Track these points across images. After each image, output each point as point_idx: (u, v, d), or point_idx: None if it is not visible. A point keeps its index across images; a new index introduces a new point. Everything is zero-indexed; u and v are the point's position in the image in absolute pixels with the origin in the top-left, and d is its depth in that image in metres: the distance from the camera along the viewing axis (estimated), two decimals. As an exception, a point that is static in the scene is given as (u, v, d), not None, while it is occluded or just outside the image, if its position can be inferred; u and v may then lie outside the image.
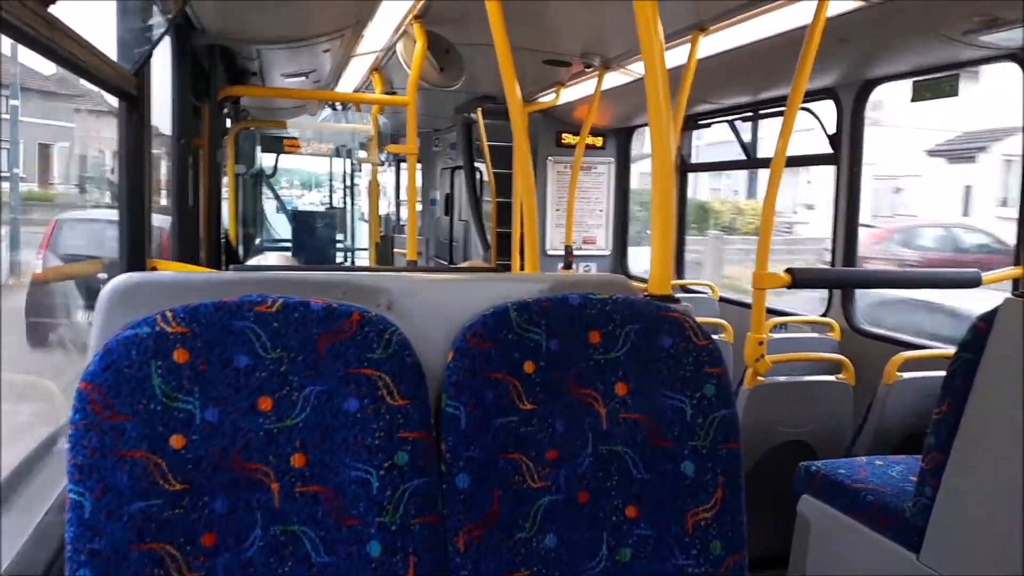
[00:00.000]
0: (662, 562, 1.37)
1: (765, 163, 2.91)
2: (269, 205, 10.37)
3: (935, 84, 3.28)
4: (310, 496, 1.21)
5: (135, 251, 2.02)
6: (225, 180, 5.89)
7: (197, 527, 1.15)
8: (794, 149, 2.83)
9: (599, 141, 5.95)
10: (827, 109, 3.86)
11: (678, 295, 1.73)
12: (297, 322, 1.23)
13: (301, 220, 9.72)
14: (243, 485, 1.18)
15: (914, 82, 3.37)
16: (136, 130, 2.07)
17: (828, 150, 3.85)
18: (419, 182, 8.12)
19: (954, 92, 3.25)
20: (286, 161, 10.87)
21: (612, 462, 1.37)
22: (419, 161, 5.58)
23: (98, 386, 1.12)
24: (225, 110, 5.34)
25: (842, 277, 3.38)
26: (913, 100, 3.39)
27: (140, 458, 1.12)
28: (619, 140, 6.06)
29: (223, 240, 4.76)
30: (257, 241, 9.14)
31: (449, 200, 7.68)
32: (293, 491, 1.20)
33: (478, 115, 5.95)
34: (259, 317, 1.22)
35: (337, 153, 10.61)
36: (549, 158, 5.96)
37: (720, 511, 1.39)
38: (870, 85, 3.63)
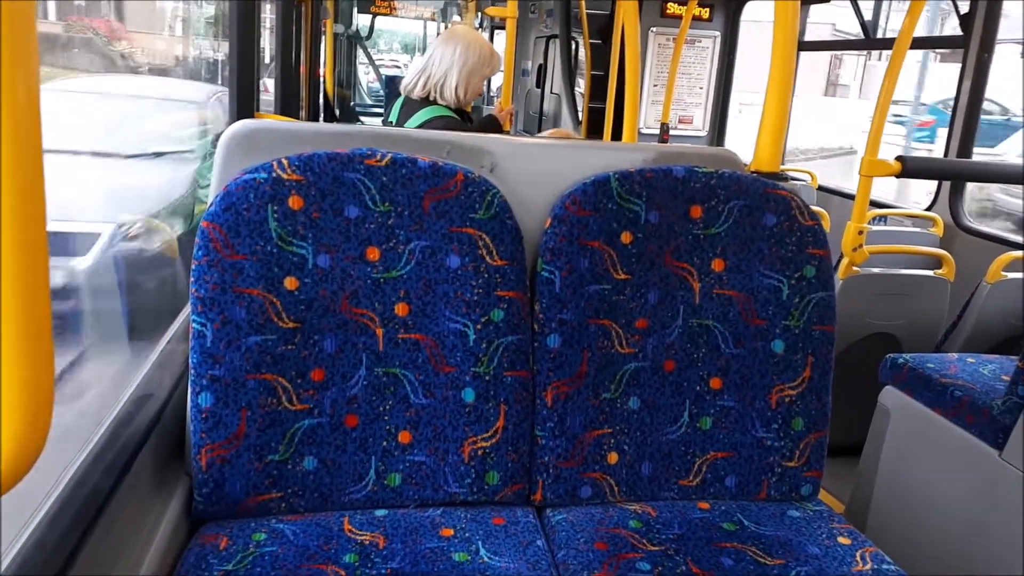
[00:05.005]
0: (742, 433, 1.41)
1: (887, 44, 2.72)
2: (361, 69, 10.36)
3: None
4: (411, 343, 1.28)
5: (244, 102, 2.08)
6: (323, 41, 5.88)
7: (308, 363, 1.25)
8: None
9: (706, 13, 5.61)
10: None
11: None
12: (404, 178, 1.27)
13: (395, 85, 9.68)
14: (351, 328, 1.26)
15: None
16: None
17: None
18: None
19: None
20: (381, 23, 10.74)
21: (702, 335, 1.40)
22: (515, 27, 5.41)
23: (219, 225, 1.20)
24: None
25: (956, 168, 3.18)
26: None
27: (257, 296, 1.21)
28: (727, 12, 5.71)
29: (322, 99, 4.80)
30: (351, 104, 9.20)
31: (542, 71, 7.48)
32: (396, 337, 1.28)
33: None
34: (369, 170, 1.26)
35: (436, 16, 10.39)
36: (652, 29, 5.69)
37: (806, 390, 1.41)
38: None
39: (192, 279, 1.21)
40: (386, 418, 1.29)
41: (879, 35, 4.52)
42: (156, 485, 1.22)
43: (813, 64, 19.70)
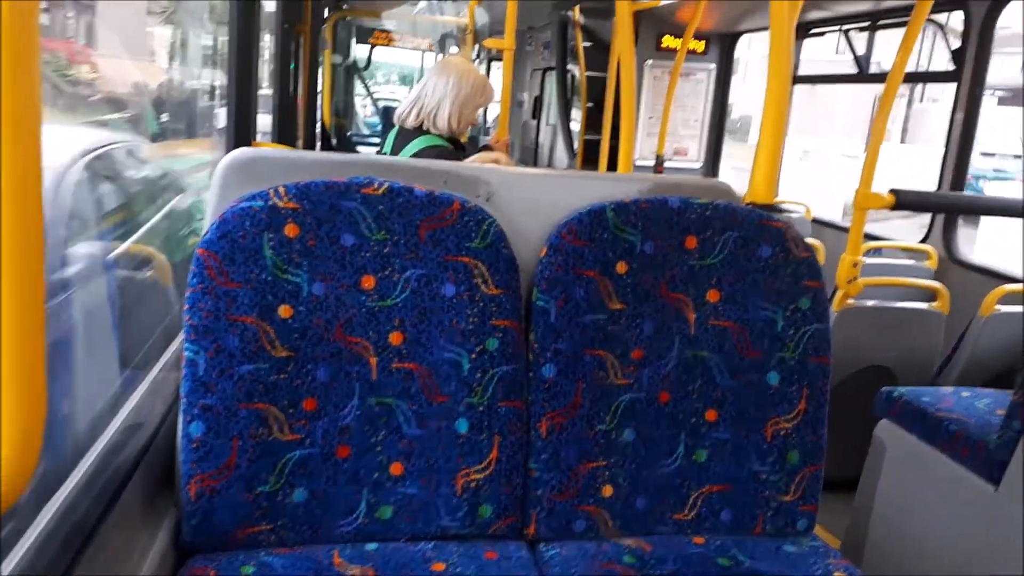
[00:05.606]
0: (738, 466, 1.40)
1: (880, 78, 2.75)
2: (358, 100, 10.44)
3: None
4: (405, 372, 1.27)
5: (241, 131, 2.10)
6: (320, 71, 5.94)
7: (300, 392, 1.23)
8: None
9: (700, 46, 5.69)
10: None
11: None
12: (401, 207, 1.27)
13: (391, 115, 9.75)
14: (344, 357, 1.25)
15: None
16: (247, 20, 2.11)
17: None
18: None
19: None
20: (378, 55, 10.85)
21: (697, 367, 1.39)
22: (512, 59, 5.48)
23: (214, 253, 1.19)
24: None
25: (949, 201, 3.20)
26: None
27: (251, 324, 1.20)
28: (722, 46, 5.79)
29: (319, 128, 4.82)
30: (348, 134, 9.26)
31: (538, 103, 7.55)
32: (390, 366, 1.27)
33: (575, 13, 5.76)
34: (366, 199, 1.26)
35: (434, 47, 10.51)
36: (647, 62, 5.75)
37: (801, 423, 1.40)
38: None
39: (186, 306, 1.20)
40: (378, 449, 1.27)
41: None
42: (144, 515, 1.20)
43: (855, 106, 19.11)
